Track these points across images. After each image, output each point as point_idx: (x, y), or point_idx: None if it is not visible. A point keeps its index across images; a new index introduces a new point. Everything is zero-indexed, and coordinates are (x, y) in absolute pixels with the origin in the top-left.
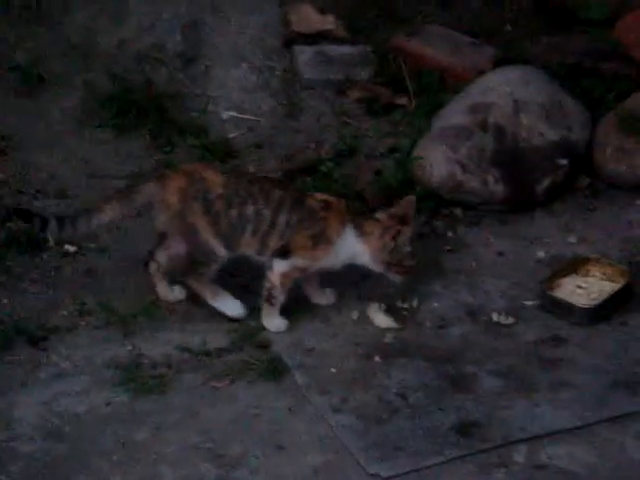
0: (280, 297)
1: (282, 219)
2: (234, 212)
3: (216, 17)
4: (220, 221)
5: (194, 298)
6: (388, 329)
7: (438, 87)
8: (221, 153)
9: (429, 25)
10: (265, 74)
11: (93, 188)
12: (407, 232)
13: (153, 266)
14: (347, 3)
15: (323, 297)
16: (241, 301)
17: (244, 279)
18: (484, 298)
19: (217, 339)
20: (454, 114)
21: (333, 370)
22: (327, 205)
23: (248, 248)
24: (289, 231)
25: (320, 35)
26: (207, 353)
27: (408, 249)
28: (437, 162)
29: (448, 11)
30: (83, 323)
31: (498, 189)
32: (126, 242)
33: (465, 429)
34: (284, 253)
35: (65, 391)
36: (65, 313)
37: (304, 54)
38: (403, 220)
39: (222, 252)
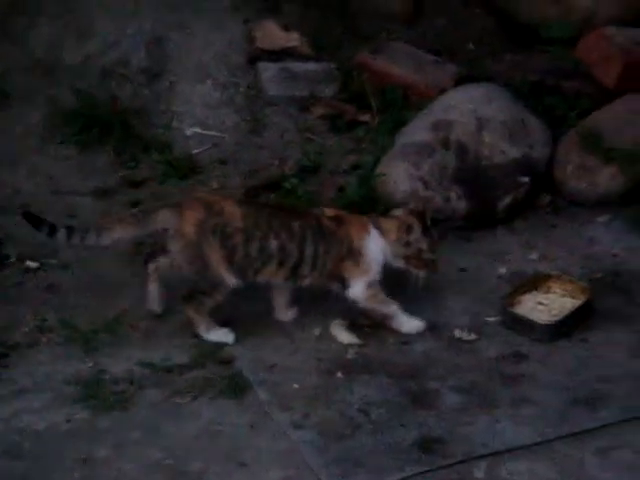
0: (387, 307)
1: (309, 251)
2: (255, 245)
3: (181, 33)
4: (236, 254)
5: (157, 315)
6: (351, 345)
7: (401, 104)
8: (185, 169)
9: (393, 43)
10: (229, 90)
11: (57, 204)
12: (419, 226)
13: (152, 266)
14: (312, 20)
15: (286, 313)
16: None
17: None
18: (446, 314)
19: (179, 355)
20: (417, 131)
21: (295, 386)
22: (340, 221)
23: (274, 277)
24: (320, 260)
25: (285, 52)
26: (169, 369)
27: (424, 243)
28: (400, 179)
29: (412, 29)
30: (44, 340)
31: (460, 206)
32: (87, 258)
33: (427, 445)
34: (344, 284)
35: (25, 408)
36: (26, 329)
37: (268, 71)
38: (419, 215)
39: (232, 282)
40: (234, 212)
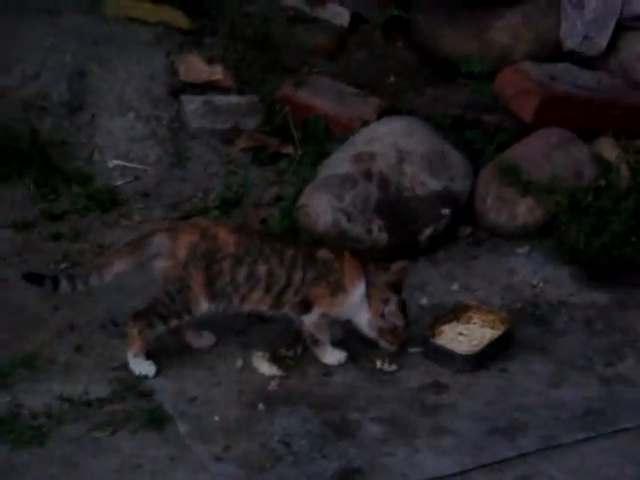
0: (323, 336)
1: (297, 277)
2: (243, 271)
3: (102, 66)
4: (220, 279)
5: (77, 347)
6: (272, 377)
7: (324, 136)
8: (106, 201)
9: (315, 76)
10: (152, 123)
11: None
12: (396, 301)
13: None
14: (235, 54)
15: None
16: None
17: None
18: (368, 345)
19: (99, 389)
20: (339, 163)
21: (216, 418)
22: (340, 256)
23: (260, 304)
24: (305, 287)
25: (208, 85)
26: (88, 403)
27: (399, 318)
28: (322, 210)
29: (334, 62)
30: None
31: (382, 237)
32: (6, 291)
33: (347, 476)
34: (306, 307)
35: None
36: None
37: (192, 103)
38: (395, 288)
39: (205, 308)
40: (228, 239)
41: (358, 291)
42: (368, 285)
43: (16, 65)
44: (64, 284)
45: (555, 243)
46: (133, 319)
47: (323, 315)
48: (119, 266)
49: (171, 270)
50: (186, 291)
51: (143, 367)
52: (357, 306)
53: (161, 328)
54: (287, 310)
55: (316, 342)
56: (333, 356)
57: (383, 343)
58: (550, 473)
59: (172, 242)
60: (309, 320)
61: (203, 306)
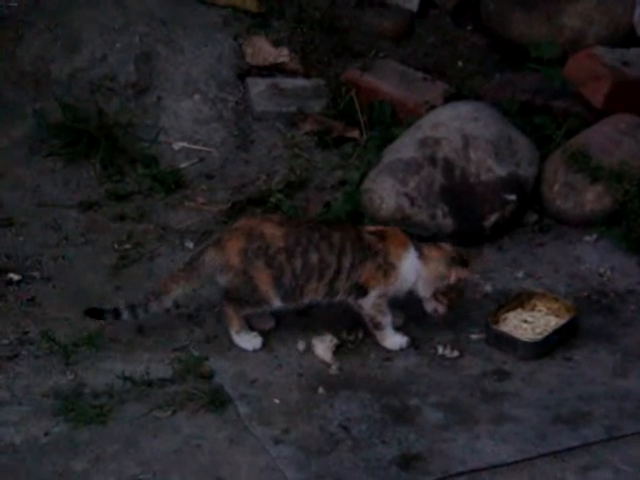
0: (384, 319)
1: (346, 262)
2: (298, 262)
3: (170, 48)
4: (284, 273)
5: (139, 328)
6: (332, 362)
7: (390, 121)
8: (171, 183)
9: (382, 60)
10: (218, 105)
11: (41, 217)
12: (465, 272)
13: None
14: (301, 37)
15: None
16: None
17: (189, 309)
18: (430, 330)
19: (160, 369)
20: (404, 148)
21: (276, 401)
22: (382, 235)
23: (315, 295)
24: (354, 271)
25: (274, 68)
26: (150, 383)
27: (457, 283)
28: (386, 195)
29: (401, 47)
30: (24, 352)
31: (446, 223)
32: (70, 271)
33: (406, 462)
34: (362, 291)
35: (3, 421)
36: (6, 342)
37: (257, 86)
38: (460, 255)
39: (277, 304)
40: (275, 233)
41: (407, 262)
42: (422, 248)
43: (84, 47)
44: (125, 315)
45: (623, 231)
46: (226, 298)
47: (381, 295)
48: (177, 291)
49: (233, 280)
50: (256, 292)
51: (248, 341)
52: (411, 275)
53: (249, 310)
54: (342, 296)
55: (377, 325)
56: (395, 340)
57: (432, 304)
58: (614, 464)
59: (222, 254)
60: (367, 303)
61: (276, 302)
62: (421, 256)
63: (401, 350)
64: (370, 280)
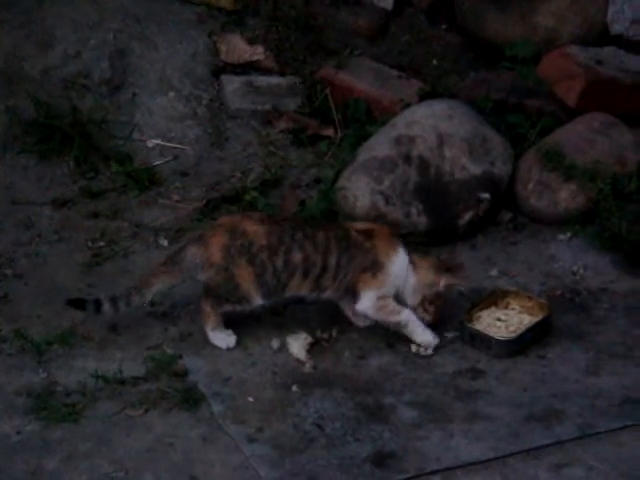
0: (401, 316)
1: (332, 261)
2: (280, 260)
3: (144, 45)
4: (266, 271)
5: (112, 326)
6: (305, 360)
7: (364, 119)
8: (144, 180)
9: (357, 58)
10: (192, 103)
11: (14, 214)
12: (454, 280)
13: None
14: (276, 34)
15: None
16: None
17: (163, 307)
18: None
19: (133, 367)
20: (379, 146)
21: (250, 399)
22: (370, 234)
23: (299, 289)
24: (341, 270)
25: (249, 65)
26: (122, 381)
27: (442, 294)
28: (360, 193)
29: (376, 45)
30: None
31: (421, 221)
32: (43, 269)
33: (380, 460)
34: (355, 295)
35: None
36: None
37: (232, 84)
38: (453, 268)
39: (257, 302)
40: (258, 230)
41: (396, 261)
42: (412, 254)
43: (58, 43)
44: (106, 307)
45: (597, 230)
46: (205, 293)
47: (379, 297)
48: (159, 286)
49: (214, 277)
50: (238, 290)
51: (222, 339)
52: (400, 276)
53: (228, 308)
54: (332, 295)
55: (397, 325)
56: (426, 335)
57: (418, 313)
58: (586, 461)
59: (204, 250)
60: (366, 307)
61: (257, 300)
62: (411, 262)
63: (376, 349)
64: (359, 282)
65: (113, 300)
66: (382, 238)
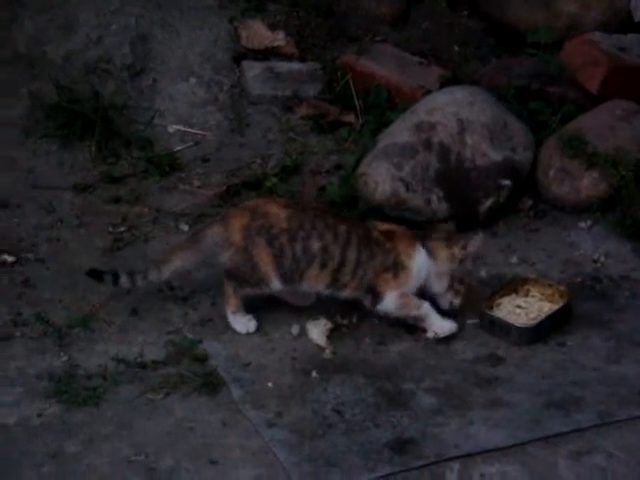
0: (420, 310)
1: (352, 256)
2: (298, 246)
3: (166, 31)
4: (284, 254)
5: (133, 310)
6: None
7: (385, 105)
8: (165, 166)
9: (378, 44)
10: (213, 89)
11: (36, 199)
12: (475, 244)
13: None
14: (297, 20)
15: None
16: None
17: (184, 292)
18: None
19: (154, 351)
20: (399, 132)
21: (269, 385)
22: (391, 234)
23: (316, 282)
24: (360, 267)
25: (270, 51)
26: (143, 365)
27: (469, 268)
28: (381, 179)
29: (397, 31)
30: (18, 334)
31: (441, 208)
32: (65, 253)
33: (399, 446)
34: (377, 295)
35: None
36: (0, 323)
37: (253, 70)
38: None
39: (277, 286)
40: (279, 213)
41: (418, 260)
42: (427, 242)
43: (80, 28)
44: (123, 279)
45: (618, 217)
46: (227, 276)
47: (399, 296)
48: (177, 262)
49: (234, 257)
50: (256, 271)
51: (242, 324)
52: (422, 272)
53: (249, 291)
54: (350, 294)
55: (417, 319)
56: (443, 325)
57: (448, 297)
58: (606, 449)
59: (224, 230)
60: (388, 307)
61: (275, 283)
62: (427, 250)
63: (396, 335)
64: (382, 283)
65: (131, 274)
66: (403, 239)
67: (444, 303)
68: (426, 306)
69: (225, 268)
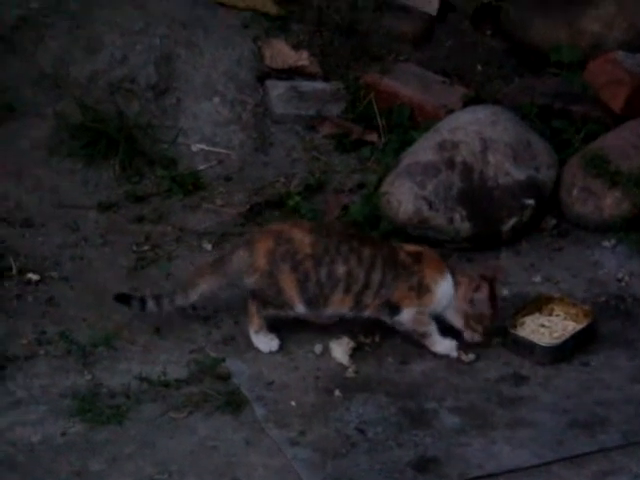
0: (427, 328)
1: (375, 278)
2: (323, 271)
3: (190, 51)
4: (309, 280)
5: (156, 329)
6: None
7: (408, 124)
8: (189, 185)
9: (401, 63)
10: (237, 108)
11: (60, 217)
12: (487, 290)
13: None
14: (321, 40)
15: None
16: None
17: (207, 311)
18: (447, 334)
19: (177, 370)
20: (422, 151)
21: (292, 403)
22: (419, 256)
23: (340, 306)
24: (384, 289)
25: (293, 71)
26: (166, 384)
27: (487, 309)
28: (404, 198)
29: (420, 50)
30: (42, 352)
31: (464, 227)
32: (89, 272)
33: (422, 465)
34: (396, 308)
35: (20, 420)
36: (25, 342)
37: (276, 89)
38: (489, 281)
39: (301, 310)
40: (303, 239)
41: (444, 286)
42: (455, 274)
43: (104, 48)
44: (150, 304)
45: None
46: (252, 295)
47: (417, 313)
48: (204, 287)
49: (258, 282)
50: (281, 295)
51: (265, 343)
52: (445, 300)
53: (272, 312)
54: (372, 313)
55: (423, 335)
56: (444, 345)
57: (468, 333)
58: (631, 469)
59: (249, 255)
60: (405, 320)
61: (300, 307)
62: (455, 283)
63: (418, 355)
64: (403, 299)
65: (157, 298)
66: (430, 262)
67: (467, 336)
68: (433, 323)
69: (250, 291)
